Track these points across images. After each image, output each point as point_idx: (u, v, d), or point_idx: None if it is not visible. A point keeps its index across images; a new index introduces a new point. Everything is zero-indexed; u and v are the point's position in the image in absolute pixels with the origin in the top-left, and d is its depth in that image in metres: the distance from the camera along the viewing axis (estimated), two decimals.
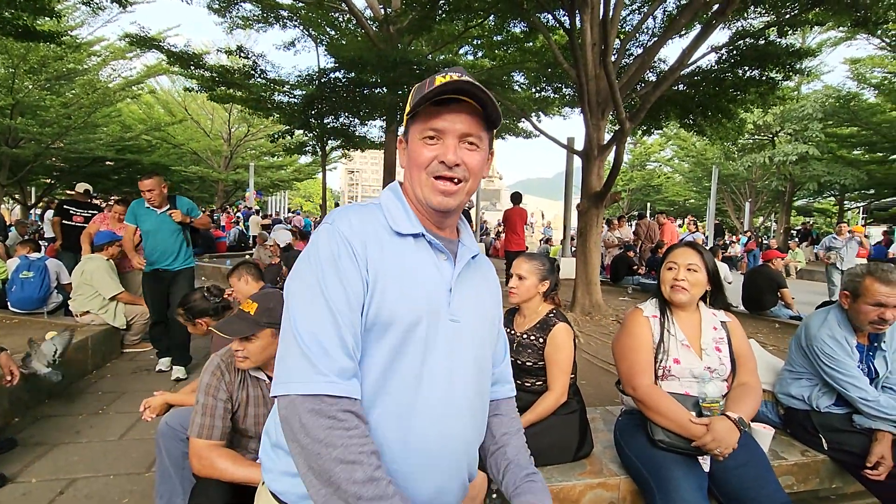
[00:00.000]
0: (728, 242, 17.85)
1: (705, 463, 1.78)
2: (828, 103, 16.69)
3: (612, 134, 6.33)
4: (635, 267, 9.46)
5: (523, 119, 10.18)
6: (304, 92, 10.63)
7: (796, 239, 19.05)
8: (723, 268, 6.76)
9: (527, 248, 9.07)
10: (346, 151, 15.63)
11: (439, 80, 0.89)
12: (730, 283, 6.72)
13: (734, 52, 6.77)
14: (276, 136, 12.17)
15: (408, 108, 0.94)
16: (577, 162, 7.89)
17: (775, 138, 18.86)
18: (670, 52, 7.01)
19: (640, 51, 7.64)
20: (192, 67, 9.47)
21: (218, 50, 10.26)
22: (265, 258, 7.60)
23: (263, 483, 0.99)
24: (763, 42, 6.61)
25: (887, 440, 1.95)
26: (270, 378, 1.72)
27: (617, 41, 6.68)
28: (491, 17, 8.07)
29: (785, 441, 2.29)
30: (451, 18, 7.80)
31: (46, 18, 7.44)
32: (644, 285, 8.95)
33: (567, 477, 1.92)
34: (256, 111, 11.67)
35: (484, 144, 0.95)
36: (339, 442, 0.77)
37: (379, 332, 0.87)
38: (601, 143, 6.22)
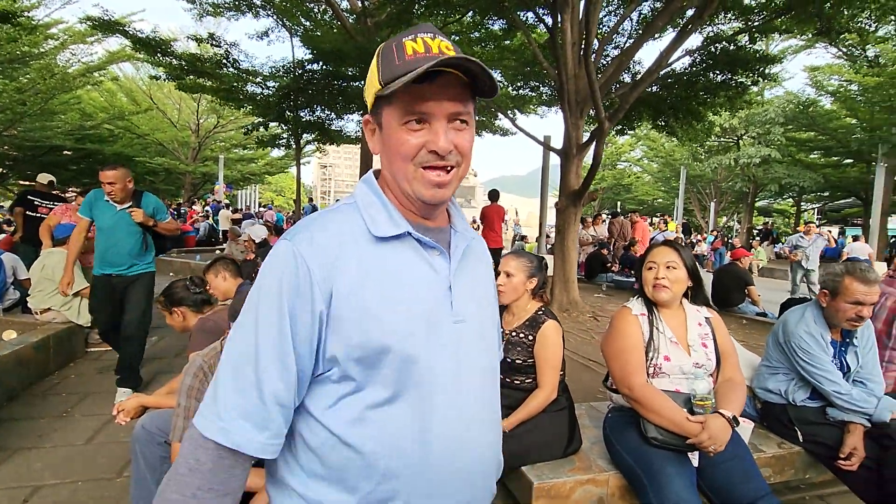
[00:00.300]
0: (695, 241, 18.46)
1: (694, 458, 1.82)
2: (789, 109, 17.40)
3: (590, 133, 6.42)
4: (609, 264, 9.65)
5: (500, 116, 10.23)
6: (277, 83, 10.37)
7: (758, 238, 19.87)
8: None
9: (503, 245, 9.12)
10: (321, 146, 15.37)
11: (411, 45, 0.76)
12: None
13: (706, 56, 6.98)
14: (248, 128, 11.85)
15: (376, 84, 0.78)
16: (553, 160, 7.99)
17: (740, 141, 19.57)
18: (645, 54, 7.18)
19: (616, 52, 7.76)
20: (160, 55, 9.11)
21: (188, 37, 9.90)
22: (237, 254, 7.37)
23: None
24: (734, 48, 6.83)
25: (859, 432, 2.03)
26: None
27: (595, 42, 6.77)
28: (470, 14, 8.06)
29: (762, 434, 2.37)
30: (429, 13, 7.74)
31: None
32: (618, 282, 9.15)
33: (558, 474, 1.92)
34: (227, 102, 11.32)
35: (472, 118, 0.82)
36: (190, 492, 0.72)
37: (373, 358, 0.76)
38: (580, 142, 6.29)
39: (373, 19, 8.75)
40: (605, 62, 7.63)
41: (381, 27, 8.61)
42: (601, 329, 5.65)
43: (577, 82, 6.00)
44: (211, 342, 1.82)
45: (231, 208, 18.72)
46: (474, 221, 19.34)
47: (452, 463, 0.81)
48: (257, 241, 6.13)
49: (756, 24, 6.64)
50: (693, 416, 1.75)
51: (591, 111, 6.32)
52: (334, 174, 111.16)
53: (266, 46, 10.07)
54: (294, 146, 12.60)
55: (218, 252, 10.96)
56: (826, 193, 22.06)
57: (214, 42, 9.30)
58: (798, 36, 14.10)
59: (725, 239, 15.17)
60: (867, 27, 6.88)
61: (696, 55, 7.03)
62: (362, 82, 9.08)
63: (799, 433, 2.22)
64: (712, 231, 20.72)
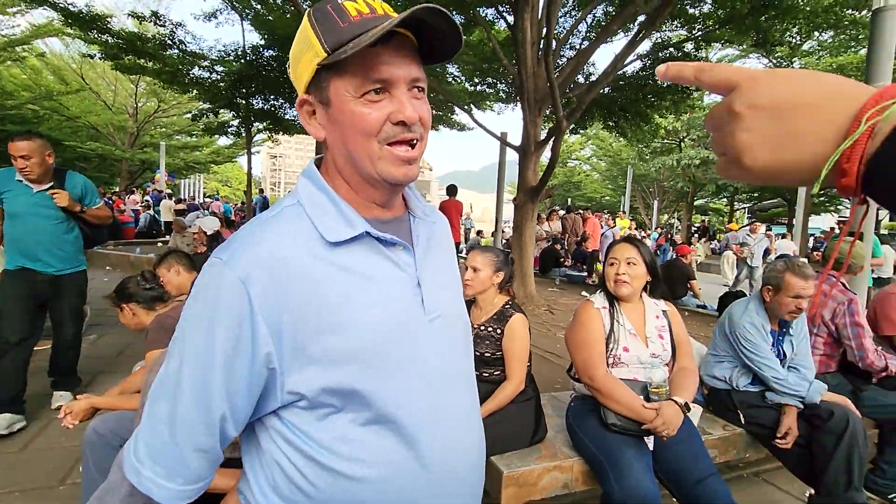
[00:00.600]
0: (641, 237, 19.38)
1: (649, 442, 1.93)
2: None
3: (547, 130, 6.59)
4: (562, 259, 9.96)
5: (458, 111, 10.27)
6: (226, 69, 9.90)
7: (696, 235, 21.16)
8: None
9: (460, 240, 9.20)
10: (273, 135, 14.85)
11: (352, 6, 0.66)
12: None
13: (655, 60, 7.34)
14: (194, 113, 11.25)
15: (319, 52, 0.65)
16: (509, 156, 8.14)
17: (682, 143, 20.69)
18: (599, 57, 7.45)
19: (572, 53, 7.99)
20: (94, 32, 8.45)
21: (127, 14, 9.24)
22: (183, 246, 7.02)
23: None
24: (681, 54, 7.23)
25: (793, 413, 2.23)
26: None
27: (553, 42, 6.95)
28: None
29: (709, 418, 2.55)
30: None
31: None
32: (570, 276, 9.46)
33: (526, 462, 1.99)
34: (171, 86, 10.68)
35: (426, 86, 0.73)
36: None
37: (347, 384, 0.68)
38: (538, 140, 6.45)
39: None
40: (562, 62, 7.84)
41: None
42: (556, 322, 5.84)
43: (537, 81, 6.13)
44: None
45: (174, 198, 17.74)
46: None
47: (447, 477, 0.75)
48: (209, 234, 5.87)
49: (700, 33, 7.05)
50: (649, 402, 1.86)
51: (548, 109, 6.48)
52: (285, 165, 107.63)
53: (214, 29, 9.56)
54: (244, 135, 12.10)
55: (161, 245, 10.38)
56: (756, 194, 23.81)
57: (158, 21, 8.74)
58: (736, 46, 15.10)
59: (668, 235, 16.05)
60: (796, 41, 7.48)
61: (646, 60, 7.38)
62: None
63: (741, 416, 2.40)
64: (657, 228, 21.83)
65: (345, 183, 0.74)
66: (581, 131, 12.11)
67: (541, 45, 5.84)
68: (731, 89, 0.37)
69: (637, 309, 2.08)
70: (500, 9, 6.66)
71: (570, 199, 33.64)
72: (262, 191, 21.20)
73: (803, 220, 17.31)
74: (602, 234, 11.22)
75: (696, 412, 2.26)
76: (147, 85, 18.83)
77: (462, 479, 0.78)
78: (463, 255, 9.13)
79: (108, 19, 8.71)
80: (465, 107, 10.39)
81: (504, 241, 10.82)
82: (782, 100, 0.34)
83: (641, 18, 6.38)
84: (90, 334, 4.47)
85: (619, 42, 6.83)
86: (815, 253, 13.63)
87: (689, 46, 7.39)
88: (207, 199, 24.03)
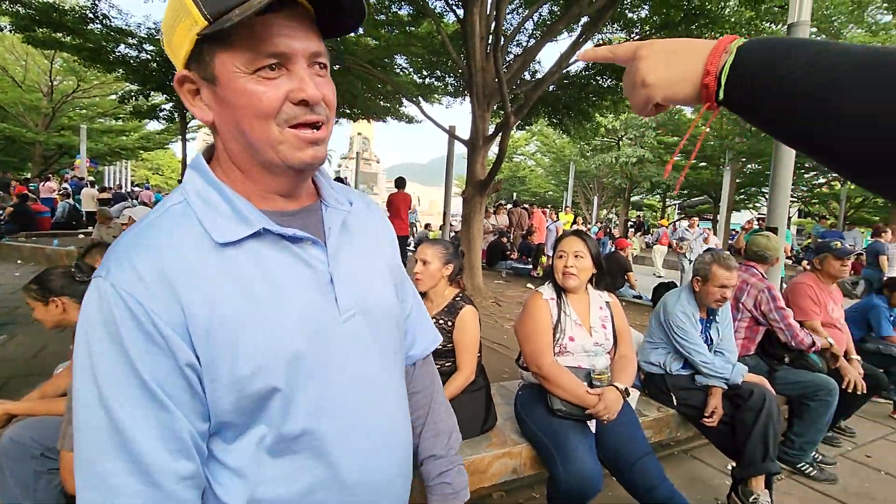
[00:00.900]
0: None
1: (592, 425, 2.04)
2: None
3: (496, 125, 6.69)
4: (508, 252, 10.19)
5: (406, 103, 10.20)
6: (156, 48, 9.23)
7: (633, 229, 22.37)
8: None
9: (409, 233, 9.18)
10: None
11: None
12: None
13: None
14: (121, 95, 10.41)
15: (198, 20, 0.56)
16: (457, 150, 8.20)
17: (620, 142, 21.69)
18: (544, 55, 7.66)
19: (519, 50, 8.15)
20: (4, 1, 7.60)
21: None
22: (108, 238, 6.53)
23: None
24: None
25: (718, 394, 2.43)
26: None
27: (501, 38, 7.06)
28: None
29: (644, 401, 2.72)
30: None
31: None
32: (516, 269, 9.70)
33: (477, 450, 2.04)
34: (93, 63, 9.81)
35: (329, 63, 0.65)
36: None
37: (250, 400, 0.61)
38: (486, 134, 6.53)
39: None
40: (510, 59, 7.98)
41: None
42: (503, 314, 5.98)
43: (485, 76, 6.20)
44: None
45: (97, 186, 16.39)
46: None
47: (370, 497, 0.70)
48: None
49: (638, 36, 7.42)
50: (592, 389, 1.96)
51: (497, 104, 6.58)
52: None
53: (144, 4, 8.86)
54: (178, 120, 11.37)
55: (83, 237, 9.58)
56: (685, 191, 25.48)
57: None
58: None
59: (607, 229, 16.86)
60: None
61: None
62: None
63: (673, 398, 2.58)
64: (596, 222, 22.82)
65: (240, 173, 0.66)
66: (527, 127, 12.42)
67: (489, 41, 5.90)
68: (633, 56, 0.53)
69: (582, 300, 2.17)
70: (450, 1, 6.66)
71: (515, 194, 34.41)
72: None
73: (726, 217, 18.78)
74: (546, 228, 11.58)
75: (633, 396, 2.40)
76: (64, 62, 17.19)
77: (388, 496, 0.73)
78: (412, 248, 9.12)
79: None
80: (414, 99, 10.33)
81: (452, 235, 10.90)
82: (668, 44, 0.51)
83: (585, 20, 6.61)
84: None
85: (564, 42, 7.08)
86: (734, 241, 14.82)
87: None
88: (136, 188, 22.39)
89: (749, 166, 20.09)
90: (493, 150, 6.91)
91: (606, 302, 2.21)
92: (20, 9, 7.81)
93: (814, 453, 2.73)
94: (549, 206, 24.40)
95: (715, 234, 14.89)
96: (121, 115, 18.80)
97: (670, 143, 21.47)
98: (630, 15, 7.34)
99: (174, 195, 0.66)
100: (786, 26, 4.05)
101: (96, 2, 8.23)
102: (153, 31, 9.25)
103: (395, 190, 8.40)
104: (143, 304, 0.56)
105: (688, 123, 19.87)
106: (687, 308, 2.50)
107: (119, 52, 9.43)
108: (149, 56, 9.54)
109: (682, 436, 2.81)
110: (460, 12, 6.30)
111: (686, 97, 0.50)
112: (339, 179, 9.95)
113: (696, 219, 10.20)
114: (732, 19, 6.88)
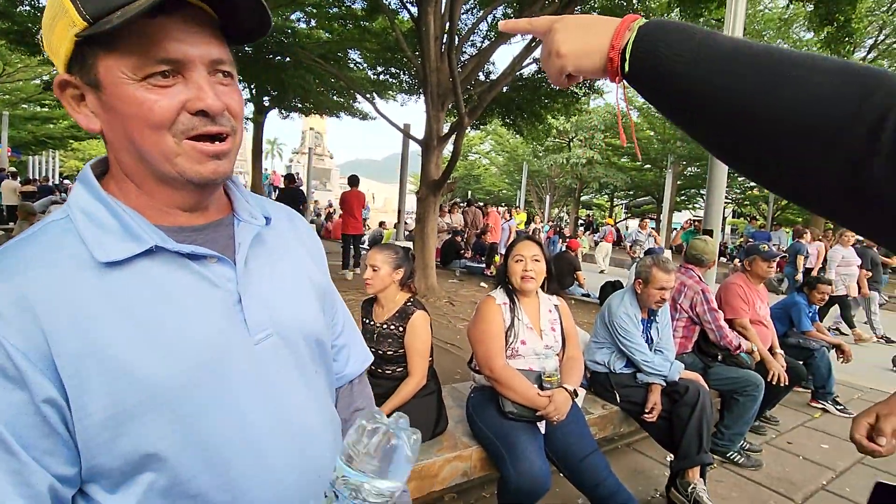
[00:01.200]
0: (534, 230, 20.71)
1: (541, 426, 2.09)
2: (607, 118, 20.47)
3: (450, 125, 6.72)
4: (462, 251, 10.27)
5: (360, 99, 10.05)
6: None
7: (582, 228, 23.15)
8: None
9: (363, 231, 9.07)
10: None
11: None
12: None
13: None
14: (47, 80, 9.61)
15: (75, 20, 0.51)
16: (413, 147, 8.17)
17: (571, 143, 22.36)
18: (498, 57, 7.75)
19: (474, 51, 8.21)
20: None
21: None
22: None
23: None
24: None
25: (658, 390, 2.56)
26: None
27: (455, 39, 7.09)
28: None
29: (590, 399, 2.83)
30: None
31: None
32: (470, 268, 9.80)
33: (427, 455, 2.05)
34: (18, 46, 9.01)
35: (235, 71, 0.61)
36: None
37: (123, 432, 0.54)
38: (440, 134, 6.55)
39: None
40: (464, 59, 8.02)
41: None
42: (457, 314, 6.03)
43: (440, 76, 6.20)
44: None
45: (19, 178, 15.08)
46: (330, 206, 18.76)
47: None
48: None
49: None
50: (542, 391, 2.02)
51: (451, 104, 6.60)
52: None
53: None
54: None
55: (2, 233, 8.79)
56: (631, 192, 26.67)
57: None
58: None
59: (558, 228, 17.38)
60: None
61: (541, 63, 7.86)
62: None
63: (617, 395, 2.70)
64: (548, 221, 23.43)
65: (134, 186, 0.60)
66: (481, 127, 12.55)
67: (444, 41, 5.91)
68: (550, 28, 0.55)
69: (533, 304, 2.23)
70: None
71: (469, 192, 34.73)
72: None
73: (668, 216, 19.82)
74: (500, 227, 11.77)
75: (581, 396, 2.49)
76: None
77: None
78: (365, 246, 9.01)
79: None
80: (368, 95, 10.20)
81: (407, 233, 10.87)
82: (581, 19, 0.54)
83: None
84: None
85: (518, 45, 7.19)
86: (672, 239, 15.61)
87: None
88: (66, 181, 20.78)
89: (689, 169, 21.30)
90: (448, 149, 6.94)
91: (555, 305, 2.27)
92: None
93: (742, 442, 2.93)
94: (504, 204, 24.84)
95: (658, 233, 15.70)
96: (47, 102, 17.40)
97: (617, 146, 22.38)
98: None
99: (58, 211, 0.60)
100: None
101: None
102: None
103: (349, 188, 8.26)
104: (1, 339, 0.49)
105: (635, 126, 20.79)
106: (630, 309, 2.62)
107: None
108: None
109: (625, 430, 2.94)
110: (414, 10, 6.26)
111: (594, 68, 0.52)
112: (290, 175, 9.66)
113: (648, 220, 10.59)
114: None
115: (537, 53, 7.43)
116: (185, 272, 0.60)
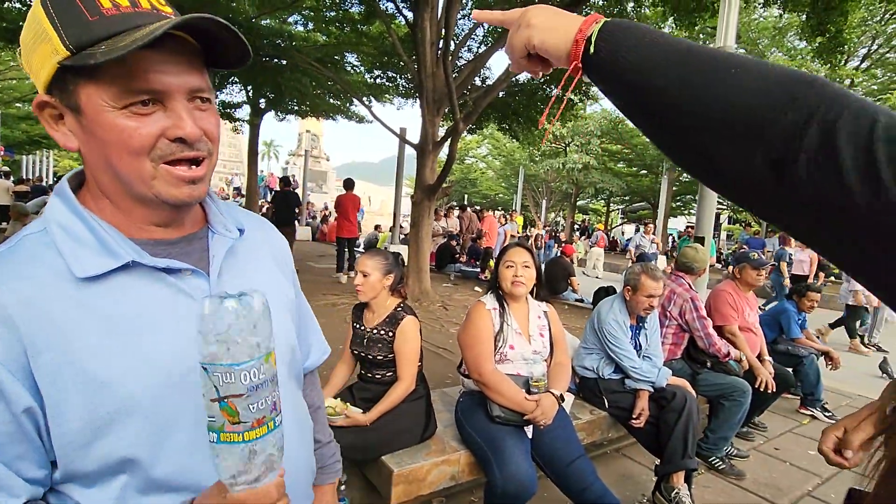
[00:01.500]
0: (529, 235, 20.78)
1: (528, 430, 2.11)
2: (603, 124, 20.59)
3: (445, 130, 6.75)
4: (457, 255, 10.30)
5: (356, 102, 10.07)
6: None
7: (577, 233, 23.23)
8: None
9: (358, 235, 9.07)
10: None
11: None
12: None
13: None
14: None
15: (58, 49, 0.53)
16: (409, 151, 8.20)
17: (567, 148, 22.46)
18: (494, 62, 7.81)
19: (470, 56, 8.26)
20: None
21: None
22: None
23: None
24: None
25: (645, 396, 2.58)
26: None
27: (451, 44, 7.12)
28: None
29: (578, 404, 2.84)
30: None
31: None
32: (464, 272, 9.82)
33: (416, 459, 2.06)
34: (11, 44, 9.00)
35: (214, 96, 0.64)
36: None
37: (100, 437, 0.56)
38: (436, 139, 6.57)
39: None
40: (460, 64, 8.07)
41: None
42: (450, 318, 6.04)
43: (435, 81, 6.24)
44: None
45: (12, 178, 15.02)
46: (326, 208, 18.73)
47: None
48: None
49: None
50: (530, 395, 2.04)
51: (446, 109, 6.63)
52: None
53: None
54: None
55: None
56: (627, 197, 26.78)
57: None
58: None
59: (554, 233, 17.42)
60: None
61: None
62: None
63: (605, 401, 2.72)
64: (544, 226, 23.51)
65: (110, 203, 0.62)
66: (478, 131, 12.59)
67: (440, 46, 5.94)
68: (521, 16, 0.57)
69: (522, 309, 2.25)
70: (400, 4, 6.65)
71: (466, 196, 34.78)
72: None
73: (664, 222, 19.92)
74: (497, 232, 11.80)
75: (568, 400, 2.51)
76: None
77: None
78: (360, 249, 9.01)
79: None
80: (364, 98, 10.23)
81: (402, 237, 10.89)
82: (554, 8, 0.55)
83: None
84: None
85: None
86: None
87: None
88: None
89: (684, 175, 21.42)
90: (444, 153, 6.97)
91: (544, 311, 2.29)
92: None
93: (728, 448, 2.96)
94: (500, 208, 24.90)
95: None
96: None
97: (613, 152, 22.49)
98: None
99: (35, 224, 0.61)
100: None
101: None
102: None
103: (344, 191, 8.28)
104: None
105: (631, 131, 20.90)
106: (619, 316, 2.65)
107: None
108: None
109: (613, 436, 2.96)
110: (410, 16, 6.30)
111: (557, 47, 0.52)
112: (285, 178, 9.66)
113: (652, 225, 10.48)
114: None
115: None
116: (161, 285, 0.62)
